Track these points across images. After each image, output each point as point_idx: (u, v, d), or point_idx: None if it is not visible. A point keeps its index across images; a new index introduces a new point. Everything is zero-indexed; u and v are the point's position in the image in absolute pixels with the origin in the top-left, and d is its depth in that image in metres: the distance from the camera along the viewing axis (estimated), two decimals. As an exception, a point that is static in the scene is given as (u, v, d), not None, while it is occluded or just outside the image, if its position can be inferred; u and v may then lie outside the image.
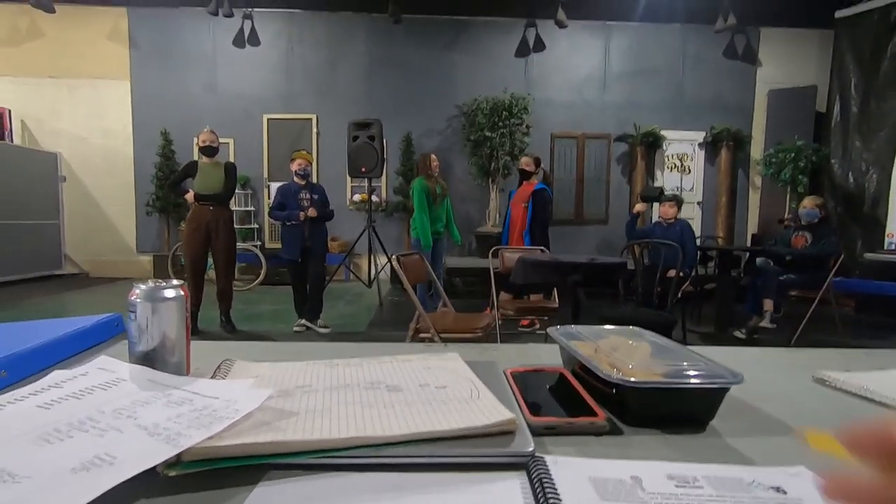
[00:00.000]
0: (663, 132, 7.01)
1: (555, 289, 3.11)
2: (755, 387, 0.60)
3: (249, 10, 6.75)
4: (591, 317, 2.72)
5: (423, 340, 2.36)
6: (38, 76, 6.82)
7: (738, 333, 3.95)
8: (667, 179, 7.21)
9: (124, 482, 0.33)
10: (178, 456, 0.35)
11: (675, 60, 7.15)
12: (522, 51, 7.01)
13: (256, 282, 6.44)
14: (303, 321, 4.03)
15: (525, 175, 4.02)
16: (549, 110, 7.03)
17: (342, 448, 0.38)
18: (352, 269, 6.57)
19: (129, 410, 0.40)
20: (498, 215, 6.64)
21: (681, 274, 3.08)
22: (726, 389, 0.48)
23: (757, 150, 7.22)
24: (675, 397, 0.48)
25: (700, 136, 7.20)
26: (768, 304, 3.90)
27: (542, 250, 3.16)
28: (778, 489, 0.35)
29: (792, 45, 7.13)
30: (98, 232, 7.11)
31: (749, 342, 3.83)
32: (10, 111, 6.73)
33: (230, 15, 6.47)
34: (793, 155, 6.41)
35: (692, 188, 7.28)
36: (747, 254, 5.53)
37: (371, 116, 5.28)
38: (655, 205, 5.92)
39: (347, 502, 0.34)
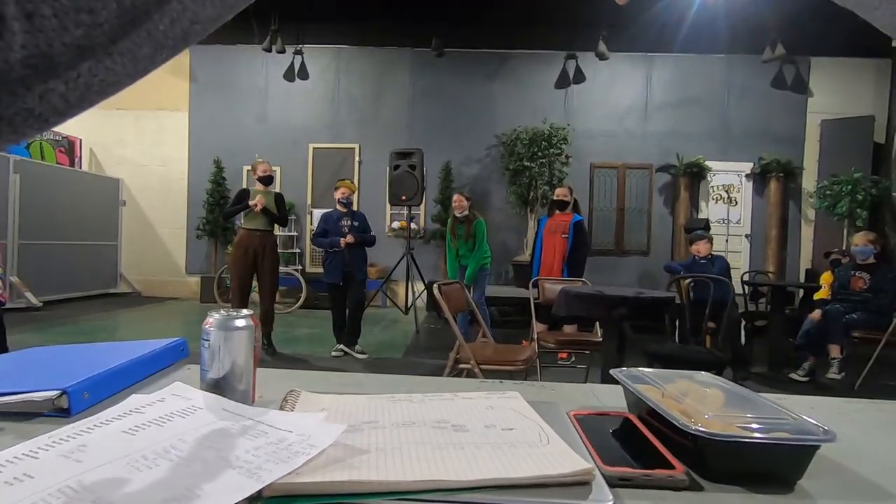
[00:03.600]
0: (708, 163, 6.85)
1: (597, 322, 3.03)
2: (843, 442, 0.56)
3: (300, 46, 7.12)
4: (636, 352, 2.62)
5: (462, 371, 2.33)
6: (107, 108, 7.37)
7: (795, 376, 3.71)
8: (712, 211, 7.00)
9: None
10: (260, 491, 0.36)
11: (720, 90, 7.02)
12: (562, 82, 7.07)
13: (297, 305, 6.57)
14: (340, 346, 4.06)
15: (561, 205, 4.01)
16: (589, 141, 7.00)
17: (417, 491, 0.38)
18: (389, 296, 6.62)
19: (209, 440, 0.41)
20: (535, 245, 6.58)
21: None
22: (817, 447, 0.45)
23: (809, 182, 6.93)
24: (761, 453, 0.45)
25: (748, 166, 6.98)
26: (835, 351, 3.62)
27: (583, 282, 3.10)
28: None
29: (845, 75, 6.89)
30: (151, 253, 7.48)
31: (809, 385, 3.59)
32: (80, 140, 7.29)
33: (282, 51, 6.85)
34: (850, 187, 6.12)
35: (739, 220, 7.03)
36: (801, 291, 5.25)
37: (412, 146, 5.41)
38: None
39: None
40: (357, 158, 7.28)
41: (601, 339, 2.70)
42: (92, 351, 0.76)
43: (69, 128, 7.20)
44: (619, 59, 6.83)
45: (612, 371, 0.64)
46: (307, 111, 7.35)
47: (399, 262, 5.48)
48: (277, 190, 4.47)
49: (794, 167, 6.85)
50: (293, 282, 6.73)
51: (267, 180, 3.96)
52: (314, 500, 0.37)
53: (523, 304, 4.54)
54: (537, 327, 2.96)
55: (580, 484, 0.40)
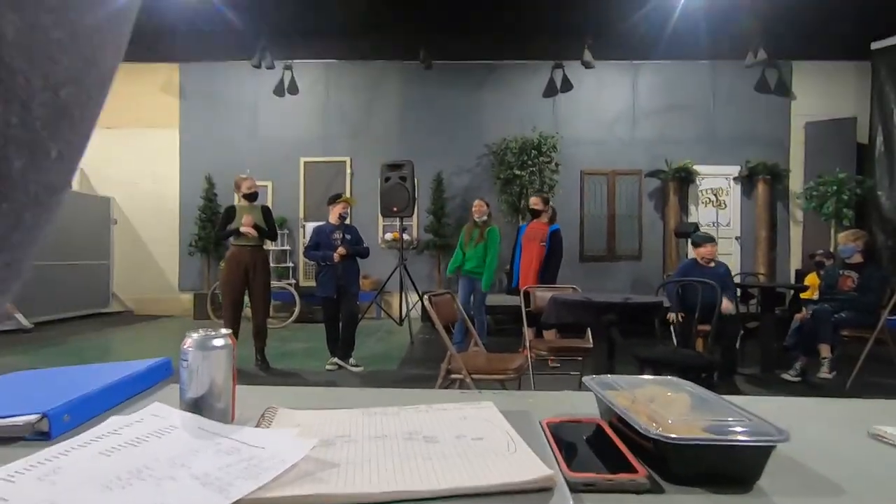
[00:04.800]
0: (696, 167, 6.93)
1: (588, 329, 3.05)
2: (805, 443, 0.58)
3: (289, 61, 7.17)
4: (626, 356, 2.64)
5: (454, 381, 2.34)
6: (97, 127, 7.36)
7: (787, 376, 3.74)
8: (702, 214, 7.07)
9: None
10: (229, 506, 0.37)
11: (706, 96, 7.13)
12: (550, 91, 7.16)
13: (290, 319, 6.56)
14: (335, 360, 4.06)
15: (535, 213, 4.18)
16: (579, 148, 7.08)
17: (384, 502, 0.39)
18: (383, 307, 6.62)
19: (182, 458, 0.43)
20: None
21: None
22: (772, 447, 0.47)
23: (796, 184, 7.02)
24: (718, 454, 0.47)
25: (735, 170, 7.07)
26: (825, 350, 3.65)
27: (573, 289, 3.13)
28: (832, 559, 0.34)
29: (827, 77, 7.03)
30: (144, 271, 7.45)
31: (801, 385, 3.62)
32: (70, 159, 7.27)
33: (272, 67, 6.90)
34: (835, 188, 6.21)
35: (728, 223, 7.10)
36: (791, 291, 5.30)
37: (403, 158, 5.45)
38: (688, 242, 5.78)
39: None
40: (349, 171, 7.31)
41: (591, 346, 2.72)
42: (75, 373, 0.77)
43: (59, 148, 7.17)
44: (605, 68, 6.93)
45: (583, 378, 0.66)
46: (298, 126, 7.38)
47: (392, 274, 5.48)
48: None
49: (780, 169, 6.94)
50: (287, 296, 6.71)
51: (252, 197, 3.97)
52: (282, 514, 0.38)
53: (517, 312, 4.57)
54: (529, 334, 2.98)
55: (542, 490, 0.42)
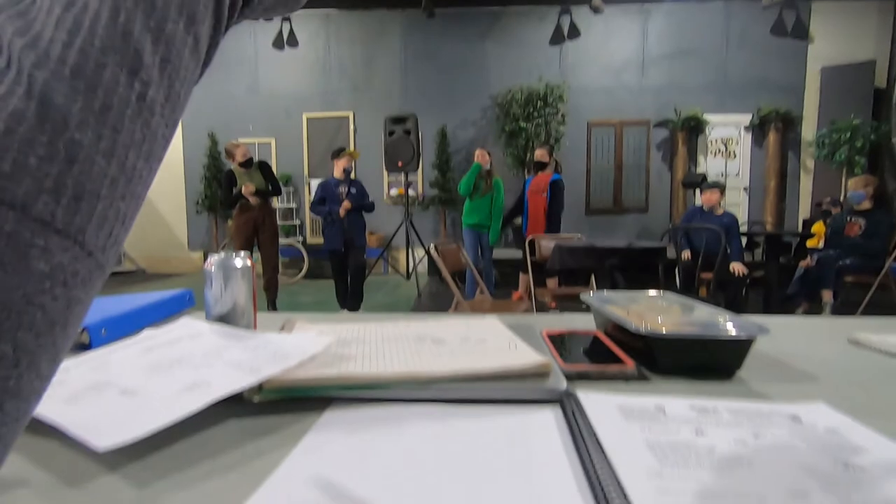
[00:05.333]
0: (706, 116, 6.78)
1: (592, 277, 3.10)
2: (788, 347, 0.62)
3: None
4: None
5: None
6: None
7: (787, 321, 3.80)
8: (710, 165, 6.97)
9: (219, 406, 0.40)
10: (261, 385, 0.42)
11: (719, 40, 6.88)
12: (557, 38, 6.92)
13: (300, 275, 6.67)
14: (345, 311, 4.16)
15: (540, 166, 4.19)
16: (586, 98, 6.92)
17: (395, 382, 0.44)
18: (390, 263, 6.70)
19: (215, 352, 0.47)
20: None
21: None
22: (752, 340, 0.51)
23: (809, 131, 6.87)
24: (702, 347, 0.51)
25: (746, 118, 6.91)
26: (827, 296, 3.69)
27: (579, 237, 3.15)
28: (794, 417, 0.38)
29: (847, 19, 6.72)
30: (153, 230, 7.54)
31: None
32: (72, 119, 7.23)
33: (269, 18, 6.68)
34: (849, 134, 6.07)
35: (738, 173, 7.01)
36: (798, 239, 5.29)
37: (406, 111, 5.36)
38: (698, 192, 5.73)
39: (399, 425, 0.39)
40: (352, 126, 7.23)
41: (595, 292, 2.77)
42: (107, 301, 0.82)
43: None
44: (613, 12, 6.66)
45: (581, 295, 0.70)
46: (299, 80, 7.24)
47: (398, 229, 5.52)
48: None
49: (793, 116, 6.77)
50: (295, 253, 6.80)
51: (247, 164, 3.98)
52: (306, 391, 0.43)
53: (523, 265, 4.61)
54: (524, 282, 3.04)
55: (540, 375, 0.46)
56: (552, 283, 3.46)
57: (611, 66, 6.98)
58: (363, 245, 4.12)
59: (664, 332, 0.50)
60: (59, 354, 0.14)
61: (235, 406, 0.42)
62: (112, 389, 0.40)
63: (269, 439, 0.38)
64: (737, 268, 3.38)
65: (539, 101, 6.51)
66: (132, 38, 0.16)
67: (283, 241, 5.97)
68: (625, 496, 0.27)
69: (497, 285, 5.51)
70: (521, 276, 4.20)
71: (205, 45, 0.19)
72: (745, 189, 7.02)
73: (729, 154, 7.02)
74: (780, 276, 4.08)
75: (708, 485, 0.29)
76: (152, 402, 0.38)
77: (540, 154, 4.25)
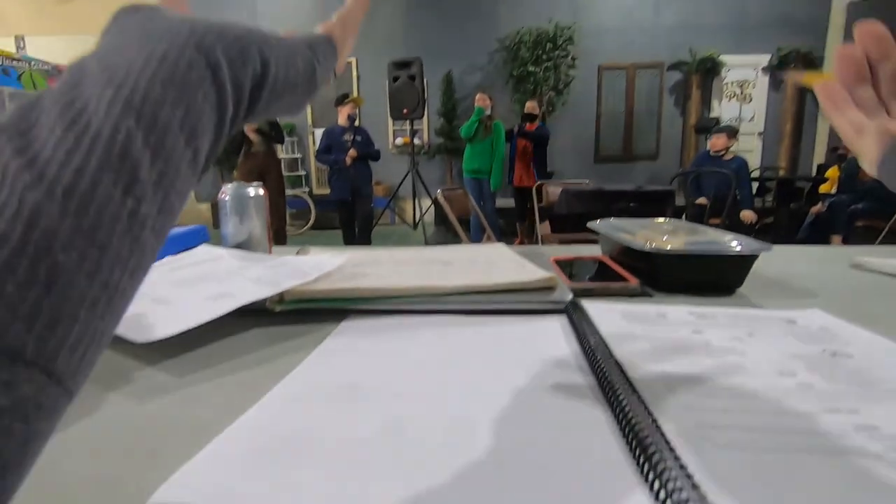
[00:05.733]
0: (722, 57, 6.49)
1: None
2: (790, 269, 0.64)
3: (284, -51, 6.61)
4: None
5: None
6: (89, 32, 7.08)
7: (794, 267, 3.81)
8: (724, 110, 6.76)
9: (244, 318, 0.43)
10: (281, 296, 0.44)
11: (740, -26, 6.48)
12: (568, -25, 6.55)
13: (307, 227, 6.71)
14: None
15: (531, 118, 4.31)
16: (597, 40, 6.63)
17: (408, 294, 0.46)
18: (397, 213, 6.70)
19: (237, 271, 0.50)
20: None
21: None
22: (755, 256, 0.52)
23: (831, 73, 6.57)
24: (705, 263, 0.52)
25: (764, 59, 6.62)
26: (836, 241, 3.67)
27: (587, 182, 3.13)
28: (789, 320, 0.40)
29: (879, -53, 6.28)
30: (160, 183, 7.52)
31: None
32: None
33: None
34: (871, 75, 5.81)
35: (753, 118, 6.80)
36: (810, 184, 5.20)
37: (411, 55, 5.19)
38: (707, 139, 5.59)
39: (412, 332, 0.42)
40: (355, 73, 7.02)
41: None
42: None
43: (60, 57, 6.97)
44: (629, -56, 6.27)
45: (588, 223, 0.71)
46: (299, 24, 6.98)
47: (404, 179, 5.48)
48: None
49: (814, 57, 6.48)
50: (302, 204, 6.80)
51: None
52: (324, 301, 0.45)
53: (525, 213, 4.59)
54: (541, 230, 3.04)
55: (547, 289, 0.48)
56: (545, 229, 3.45)
57: (623, 5, 6.64)
58: (370, 194, 4.11)
59: (668, 249, 0.52)
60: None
61: (259, 317, 0.45)
62: (145, 298, 0.42)
63: (290, 343, 0.40)
64: (747, 216, 3.35)
65: (548, 44, 6.25)
66: (130, 155, 0.16)
67: (288, 192, 5.96)
68: (624, 375, 0.29)
69: (503, 233, 5.53)
70: (519, 225, 4.44)
71: (203, 156, 0.19)
72: (759, 134, 6.83)
73: (744, 97, 6.78)
74: (790, 222, 4.05)
75: (701, 365, 0.31)
76: (183, 308, 0.40)
77: (531, 106, 4.40)
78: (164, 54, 0.18)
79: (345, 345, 0.39)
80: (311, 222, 6.71)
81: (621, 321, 0.40)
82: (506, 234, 5.10)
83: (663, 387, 0.28)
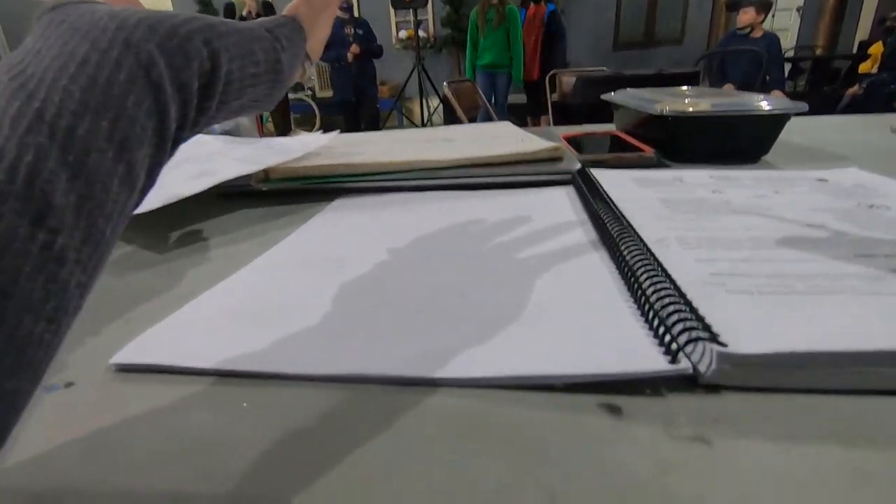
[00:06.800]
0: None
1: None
2: (824, 136, 0.58)
3: None
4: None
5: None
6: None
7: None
8: (762, -19, 6.06)
9: (231, 199, 0.41)
10: (267, 174, 0.41)
11: None
12: None
13: (313, 131, 6.54)
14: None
15: None
16: None
17: (404, 168, 0.43)
18: (404, 114, 6.45)
19: (220, 153, 0.47)
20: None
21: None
22: (785, 117, 0.47)
23: (888, -71, 5.76)
24: (726, 126, 0.47)
25: (814, -84, 5.79)
26: None
27: (603, 70, 2.91)
28: (820, 179, 0.36)
29: None
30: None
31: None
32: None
33: None
34: (936, -70, 5.07)
35: (793, -11, 6.11)
36: (849, 63, 4.78)
37: (411, -69, 4.64)
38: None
39: (407, 207, 0.39)
40: (350, -43, 6.37)
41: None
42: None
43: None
44: None
45: (602, 95, 0.65)
46: None
47: (410, 76, 5.18)
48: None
49: (872, -90, 5.63)
50: (305, 108, 6.57)
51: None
52: (313, 179, 0.42)
53: (531, 108, 4.34)
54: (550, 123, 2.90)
55: (553, 160, 0.44)
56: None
57: None
58: (375, 94, 3.93)
59: (683, 112, 0.47)
60: None
61: (246, 198, 0.43)
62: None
63: (277, 221, 0.38)
64: (777, 96, 3.12)
65: None
66: (39, 179, 0.13)
67: (291, 95, 5.72)
68: (634, 232, 0.27)
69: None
70: (531, 120, 4.00)
71: (144, 170, 0.16)
72: (797, 10, 6.19)
73: (785, -34, 6.04)
74: (822, 107, 3.79)
75: (719, 221, 0.28)
76: (163, 188, 0.38)
77: None
78: (84, 56, 0.15)
79: (334, 221, 0.37)
80: (316, 126, 6.52)
81: (634, 187, 0.37)
82: (518, 133, 4.90)
83: (676, 241, 0.25)
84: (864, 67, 4.15)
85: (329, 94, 5.25)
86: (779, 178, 0.37)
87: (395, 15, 6.29)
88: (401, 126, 6.49)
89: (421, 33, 5.57)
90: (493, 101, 4.03)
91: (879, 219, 0.28)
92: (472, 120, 2.67)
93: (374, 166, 0.42)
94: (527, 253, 0.28)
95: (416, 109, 6.14)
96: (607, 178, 0.38)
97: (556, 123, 2.82)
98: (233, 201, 0.42)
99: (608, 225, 0.28)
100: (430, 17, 6.42)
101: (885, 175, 0.37)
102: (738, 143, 0.48)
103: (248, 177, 0.42)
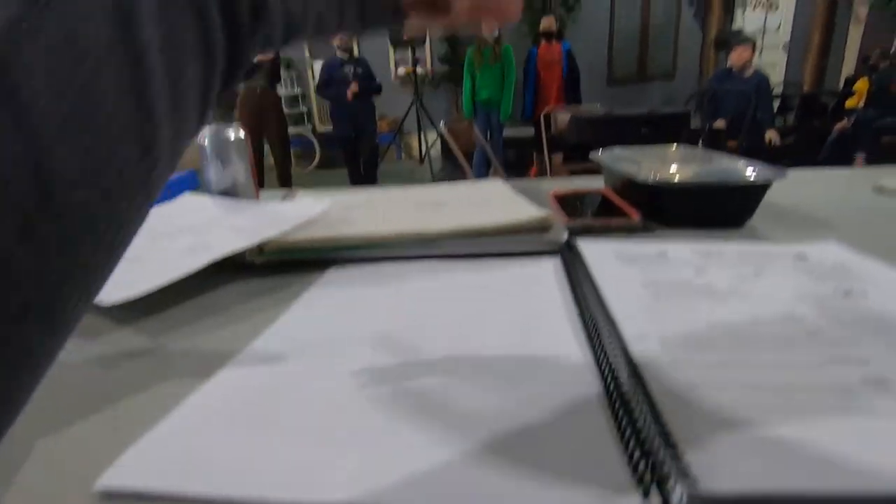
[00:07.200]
0: (749, -41, 5.94)
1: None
2: (807, 196, 0.59)
3: None
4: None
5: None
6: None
7: (813, 188, 3.68)
8: (748, 20, 6.28)
9: (224, 272, 0.41)
10: (261, 247, 0.42)
11: None
12: None
13: (312, 165, 6.62)
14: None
15: (550, 36, 3.93)
16: (611, -54, 6.07)
17: (395, 240, 0.43)
18: (402, 148, 6.56)
19: (217, 221, 0.48)
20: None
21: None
22: (767, 186, 0.48)
23: (868, -28, 6.00)
24: (712, 195, 0.48)
25: (795, -41, 6.04)
26: (860, 161, 3.49)
27: (597, 107, 2.99)
28: (800, 255, 0.37)
29: None
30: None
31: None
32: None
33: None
34: (913, -27, 5.30)
35: (779, 27, 6.32)
36: (836, 99, 4.90)
37: (409, -26, 4.81)
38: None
39: (399, 280, 0.40)
40: (351, -2, 6.59)
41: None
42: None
43: None
44: None
45: (590, 154, 0.66)
46: None
47: (409, 112, 5.29)
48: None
49: (850, -46, 5.89)
50: (306, 142, 6.67)
51: None
52: (306, 252, 0.43)
53: (535, 143, 4.42)
54: (554, 159, 2.95)
55: (542, 230, 0.45)
56: (555, 159, 3.35)
57: None
58: (374, 130, 4.00)
59: (672, 182, 0.48)
60: None
61: (240, 271, 0.43)
62: (116, 255, 0.40)
63: (271, 297, 0.39)
64: (772, 136, 3.18)
65: (557, -47, 5.75)
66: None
67: (292, 130, 5.82)
68: (613, 325, 0.27)
69: (510, 166, 5.39)
70: (536, 155, 4.07)
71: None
72: (784, 47, 6.38)
73: (770, 5, 6.28)
74: (812, 142, 3.87)
75: (699, 311, 0.28)
76: (156, 263, 0.38)
77: (548, 23, 3.99)
78: None
79: (327, 296, 0.37)
80: (316, 161, 6.61)
81: (618, 264, 0.38)
82: (513, 167, 4.97)
83: (657, 340, 0.26)
84: (850, 103, 4.25)
85: (329, 127, 5.33)
86: (760, 255, 0.38)
87: (394, 52, 6.48)
88: (399, 159, 6.59)
89: (419, 70, 5.71)
90: (489, 135, 4.13)
91: (855, 310, 0.28)
92: (468, 156, 2.71)
93: (365, 239, 0.43)
94: (507, 343, 0.29)
95: (415, 143, 6.24)
96: (592, 254, 0.39)
97: (554, 160, 2.87)
98: (225, 273, 0.43)
99: (593, 318, 0.29)
100: (427, 54, 6.61)
101: (867, 249, 0.38)
102: (722, 211, 0.49)
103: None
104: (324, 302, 0.36)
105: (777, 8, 6.30)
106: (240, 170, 0.62)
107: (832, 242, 0.39)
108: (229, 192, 0.62)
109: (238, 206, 0.53)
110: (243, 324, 0.34)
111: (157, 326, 0.35)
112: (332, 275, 0.42)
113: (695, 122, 3.31)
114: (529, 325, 0.30)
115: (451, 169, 5.75)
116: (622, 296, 0.32)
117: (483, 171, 3.99)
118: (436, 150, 5.81)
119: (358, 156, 4.01)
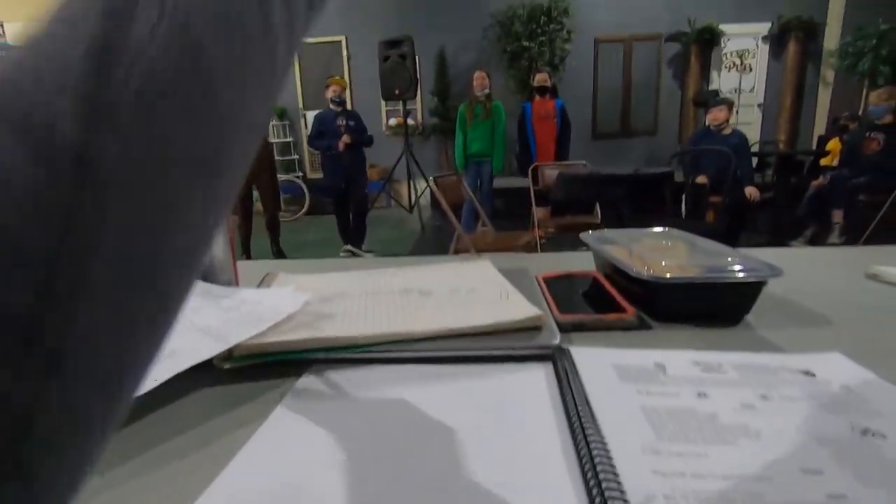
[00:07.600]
0: (722, 27, 6.32)
1: (597, 204, 3.03)
2: (799, 284, 0.58)
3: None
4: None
5: (464, 260, 2.40)
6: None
7: (795, 244, 3.76)
8: (724, 81, 6.62)
9: (187, 375, 0.38)
10: (230, 351, 0.39)
11: (740, -62, 6.26)
12: (562, -57, 6.32)
13: (301, 212, 6.63)
14: (348, 247, 4.16)
15: (544, 91, 4.07)
16: (592, 11, 6.44)
17: (374, 343, 0.41)
18: (392, 196, 6.62)
19: (186, 315, 0.44)
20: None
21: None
22: (763, 283, 0.47)
23: (832, 41, 6.42)
24: (708, 292, 0.47)
25: (765, 27, 6.45)
26: (837, 216, 3.59)
27: (584, 164, 3.05)
28: (806, 372, 0.35)
29: None
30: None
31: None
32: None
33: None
34: (874, 41, 5.67)
35: (753, 89, 6.66)
36: (811, 158, 5.11)
37: (401, 33, 5.03)
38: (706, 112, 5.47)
39: (380, 390, 0.37)
40: (345, 52, 6.85)
41: (599, 222, 2.72)
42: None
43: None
44: None
45: (581, 235, 0.65)
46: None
47: (399, 161, 5.38)
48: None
49: (815, 24, 6.31)
50: (295, 189, 6.72)
51: None
52: (280, 356, 0.40)
53: (525, 194, 4.51)
54: (538, 213, 2.98)
55: (532, 329, 0.43)
56: (543, 213, 3.39)
57: (621, -27, 6.43)
58: (364, 181, 4.04)
59: (668, 277, 0.46)
60: None
61: (205, 374, 0.40)
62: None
63: (240, 411, 0.35)
64: (752, 192, 3.28)
65: (543, 17, 6.07)
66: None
67: (282, 177, 5.88)
68: (616, 479, 0.25)
69: (499, 215, 5.45)
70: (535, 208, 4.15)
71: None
72: (758, 106, 6.70)
73: (744, 68, 6.63)
74: (790, 197, 3.98)
75: (710, 465, 0.26)
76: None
77: (542, 78, 4.12)
78: None
79: (297, 415, 0.34)
80: (305, 208, 6.63)
81: (613, 377, 0.35)
82: (501, 218, 5.03)
83: (663, 499, 0.23)
84: (825, 161, 4.43)
85: (320, 175, 5.39)
86: (763, 369, 0.36)
87: (386, 105, 6.66)
88: (389, 207, 6.64)
89: (410, 121, 5.87)
90: (479, 186, 4.21)
91: (874, 457, 0.26)
92: (456, 208, 2.73)
93: (344, 340, 0.40)
94: (492, 482, 0.25)
95: (404, 191, 6.31)
96: (586, 365, 0.37)
97: (540, 215, 2.90)
98: (189, 377, 0.40)
99: (591, 458, 0.26)
100: (418, 106, 6.81)
101: (870, 353, 0.37)
102: (720, 308, 0.47)
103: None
104: (295, 421, 0.33)
105: (750, 70, 6.66)
106: (219, 247, 0.60)
107: (837, 356, 0.38)
108: (208, 273, 0.59)
109: (211, 294, 0.50)
110: (209, 448, 0.31)
111: (107, 456, 0.31)
112: (307, 381, 0.38)
113: (678, 177, 3.40)
114: (518, 457, 0.28)
115: (440, 217, 5.79)
116: (623, 425, 0.29)
117: (471, 223, 4.02)
118: (424, 199, 5.87)
119: (347, 206, 4.02)
